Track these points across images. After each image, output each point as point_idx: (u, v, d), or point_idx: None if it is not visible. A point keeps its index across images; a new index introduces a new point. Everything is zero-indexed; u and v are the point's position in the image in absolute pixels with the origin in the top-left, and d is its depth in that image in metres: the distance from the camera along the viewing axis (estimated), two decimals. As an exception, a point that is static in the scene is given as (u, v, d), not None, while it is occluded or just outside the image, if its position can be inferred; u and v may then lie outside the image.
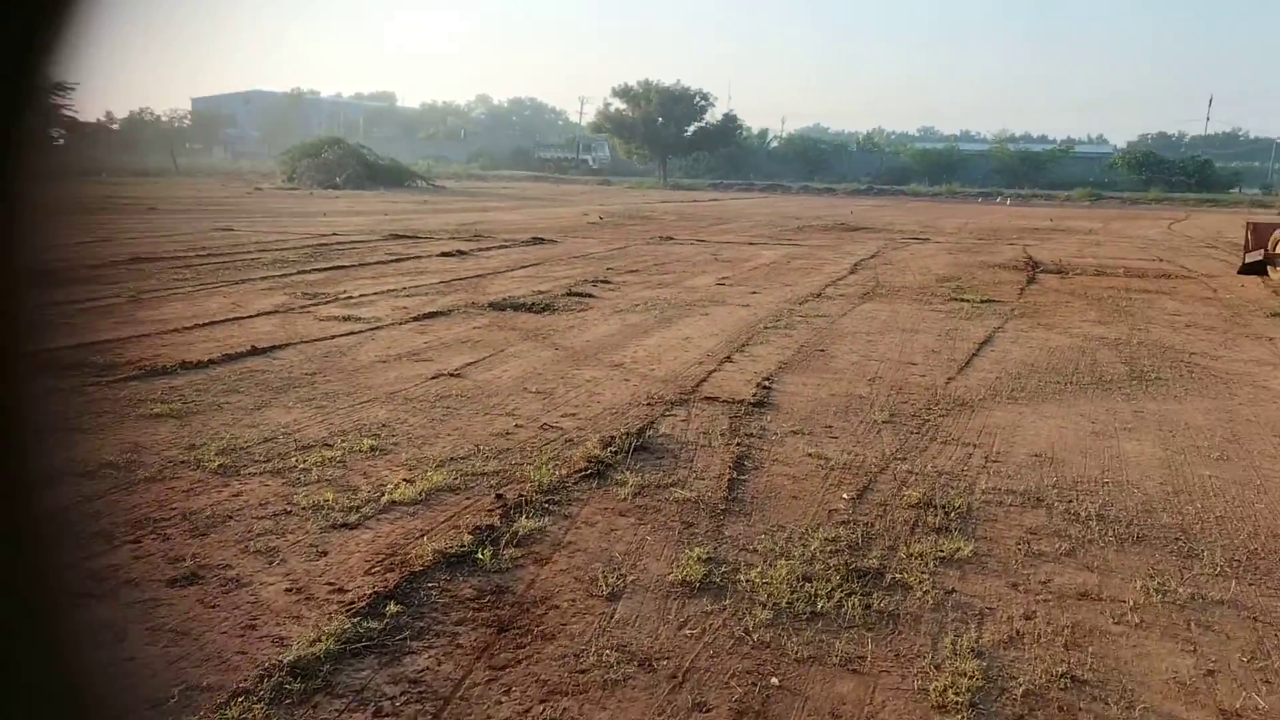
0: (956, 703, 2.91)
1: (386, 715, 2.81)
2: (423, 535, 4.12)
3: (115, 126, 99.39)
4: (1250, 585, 3.82)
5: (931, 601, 3.60)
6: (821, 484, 4.95)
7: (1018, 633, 3.38)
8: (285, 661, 3.02)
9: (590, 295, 11.77)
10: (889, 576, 3.80)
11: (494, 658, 3.14)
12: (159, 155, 68.44)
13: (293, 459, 5.14)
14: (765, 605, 3.51)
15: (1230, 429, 6.26)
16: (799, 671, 3.11)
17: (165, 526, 4.16)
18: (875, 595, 3.62)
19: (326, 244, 17.58)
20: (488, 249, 17.49)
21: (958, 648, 3.24)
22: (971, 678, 3.04)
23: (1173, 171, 64.38)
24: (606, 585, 3.65)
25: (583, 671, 3.06)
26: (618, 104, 71.12)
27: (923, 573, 3.83)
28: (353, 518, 4.31)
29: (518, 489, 4.70)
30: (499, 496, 4.58)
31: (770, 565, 3.86)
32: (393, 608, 3.41)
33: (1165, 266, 17.30)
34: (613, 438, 5.54)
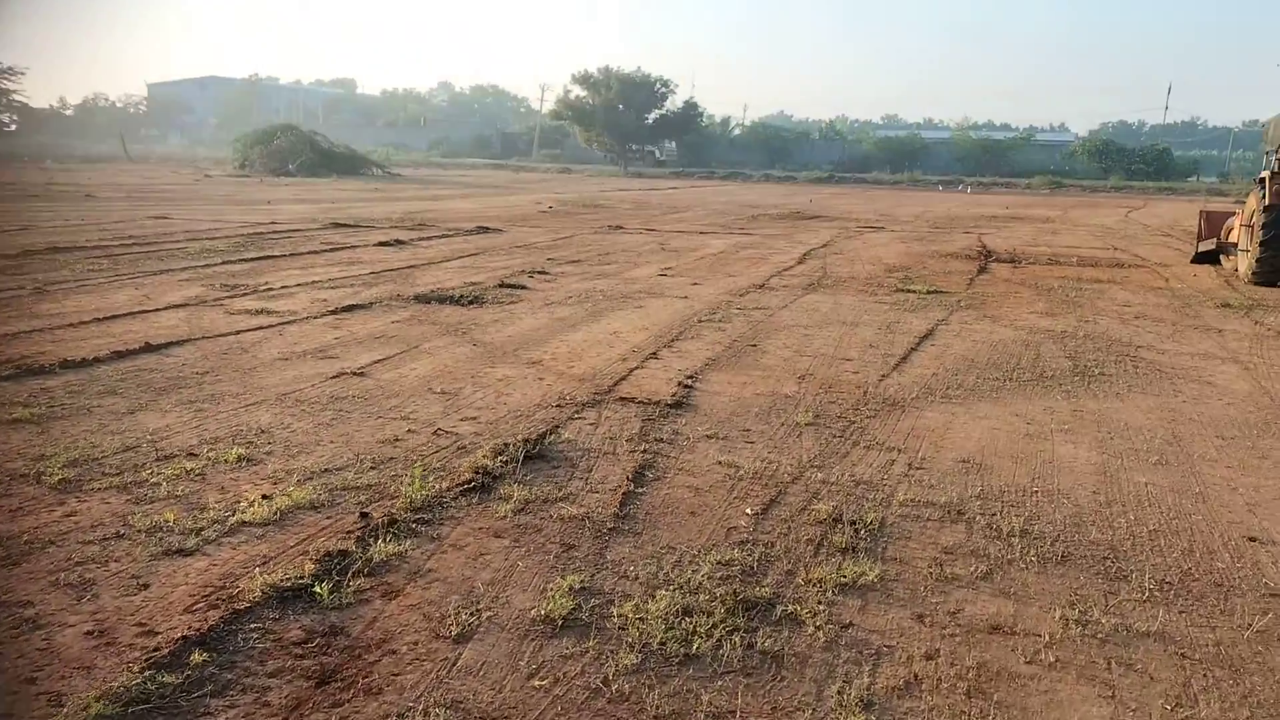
0: (834, 769, 2.51)
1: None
2: (265, 563, 3.65)
3: (69, 112, 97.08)
4: (1180, 614, 3.45)
5: (824, 639, 3.19)
6: (726, 497, 4.53)
7: (916, 677, 2.98)
8: (45, 731, 2.55)
9: (523, 287, 11.29)
10: (780, 608, 3.38)
11: None
12: (113, 142, 66.76)
13: (147, 471, 4.64)
14: (633, 647, 3.08)
15: (1172, 429, 5.92)
16: (659, 730, 2.68)
17: (-32, 556, 3.65)
18: (761, 632, 3.21)
19: (261, 233, 16.92)
20: (429, 238, 16.92)
21: (845, 698, 2.84)
22: (855, 736, 2.64)
23: (1132, 159, 64.63)
24: (457, 624, 3.21)
25: (404, 736, 2.62)
26: (578, 91, 70.26)
27: (819, 603, 3.42)
28: (191, 542, 3.83)
29: (388, 506, 4.23)
30: (364, 515, 4.11)
31: (649, 596, 3.43)
32: (198, 656, 2.94)
33: (1119, 255, 17.09)
34: (507, 445, 5.08)
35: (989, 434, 5.73)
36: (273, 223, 18.78)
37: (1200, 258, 15.74)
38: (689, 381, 6.86)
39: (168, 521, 4.00)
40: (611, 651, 3.05)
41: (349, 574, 3.53)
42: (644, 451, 5.18)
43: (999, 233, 21.57)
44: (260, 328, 8.41)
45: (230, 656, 2.99)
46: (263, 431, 5.39)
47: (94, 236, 15.32)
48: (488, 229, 18.96)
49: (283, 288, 10.74)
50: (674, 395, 6.43)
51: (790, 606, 3.39)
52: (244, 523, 4.03)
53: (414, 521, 4.05)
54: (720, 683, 2.90)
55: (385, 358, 7.38)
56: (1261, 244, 12.92)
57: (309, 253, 14.22)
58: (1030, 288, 12.32)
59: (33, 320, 8.51)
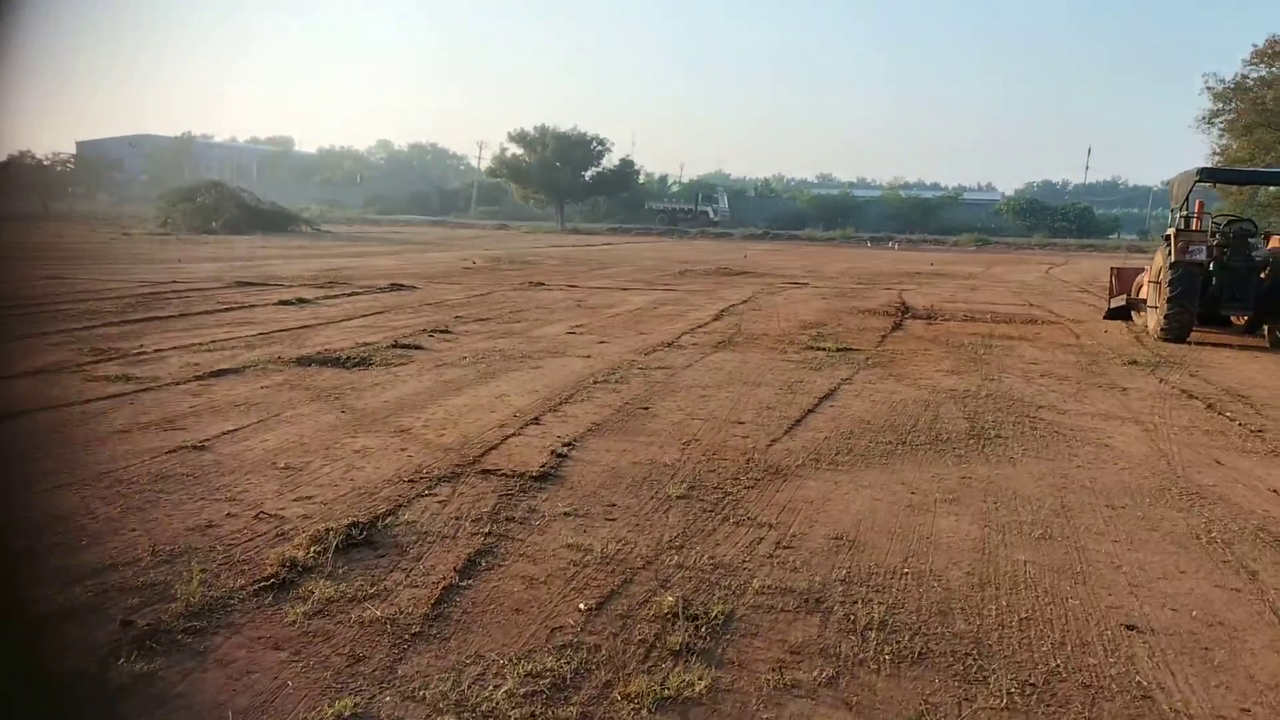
0: None
1: None
2: (-17, 689, 3.06)
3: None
4: (1040, 724, 3.04)
5: (623, 774, 2.70)
6: (562, 588, 4.04)
7: (721, 823, 2.51)
8: None
9: (418, 347, 10.76)
10: (581, 734, 2.89)
11: None
12: (36, 200, 64.84)
13: (-105, 572, 4.01)
14: (388, 794, 2.57)
15: (1061, 498, 5.59)
16: None
17: None
18: (550, 767, 2.72)
19: (158, 293, 16.15)
20: (335, 296, 16.32)
21: None
22: None
23: (1055, 217, 66.48)
24: (182, 769, 2.66)
25: None
26: (514, 149, 70.37)
27: (629, 725, 2.94)
28: (-98, 664, 3.22)
29: (160, 611, 3.67)
30: (124, 624, 3.54)
31: (430, 722, 2.92)
32: None
33: (1034, 311, 17.13)
34: (329, 530, 4.55)
35: (869, 505, 5.34)
36: (173, 281, 18.02)
37: (1112, 314, 15.80)
38: (565, 450, 6.39)
39: (-116, 637, 3.39)
40: (358, 802, 2.53)
41: (71, 703, 2.96)
42: (487, 534, 4.68)
43: (920, 289, 21.62)
44: (110, 396, 7.75)
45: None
46: (58, 519, 4.78)
47: (-29, 297, 14.46)
48: (402, 286, 18.41)
49: (156, 351, 10.07)
50: (543, 466, 5.95)
51: (594, 731, 2.91)
52: (-20, 636, 3.44)
53: (184, 630, 3.50)
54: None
55: (237, 428, 6.79)
56: (1168, 300, 12.95)
57: (200, 313, 13.53)
58: (941, 344, 12.13)
59: None
